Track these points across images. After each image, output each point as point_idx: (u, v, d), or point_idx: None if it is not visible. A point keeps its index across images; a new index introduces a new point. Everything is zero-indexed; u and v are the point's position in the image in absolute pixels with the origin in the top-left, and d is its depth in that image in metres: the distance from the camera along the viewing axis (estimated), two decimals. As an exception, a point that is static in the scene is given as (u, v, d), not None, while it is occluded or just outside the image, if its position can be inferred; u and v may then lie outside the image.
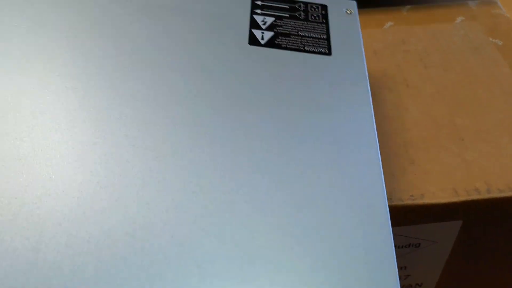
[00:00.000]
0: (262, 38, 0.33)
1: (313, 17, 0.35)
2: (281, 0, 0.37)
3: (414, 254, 0.37)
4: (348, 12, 0.36)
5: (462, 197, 0.33)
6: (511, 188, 0.33)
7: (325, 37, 0.34)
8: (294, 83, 0.31)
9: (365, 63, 0.33)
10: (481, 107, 0.38)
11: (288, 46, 0.33)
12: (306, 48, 0.33)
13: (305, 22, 0.35)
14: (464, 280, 0.40)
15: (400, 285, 0.40)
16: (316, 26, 0.35)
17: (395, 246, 0.36)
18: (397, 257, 0.37)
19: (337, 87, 0.31)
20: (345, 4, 0.36)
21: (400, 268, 0.38)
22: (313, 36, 0.34)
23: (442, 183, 0.33)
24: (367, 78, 0.32)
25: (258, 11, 0.35)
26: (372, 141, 0.28)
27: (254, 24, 0.34)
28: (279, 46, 0.33)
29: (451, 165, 0.34)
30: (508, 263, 0.39)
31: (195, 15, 0.34)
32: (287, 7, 0.36)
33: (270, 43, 0.33)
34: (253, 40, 0.33)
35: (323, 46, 0.33)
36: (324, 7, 0.36)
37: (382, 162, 0.34)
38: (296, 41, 0.34)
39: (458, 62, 0.43)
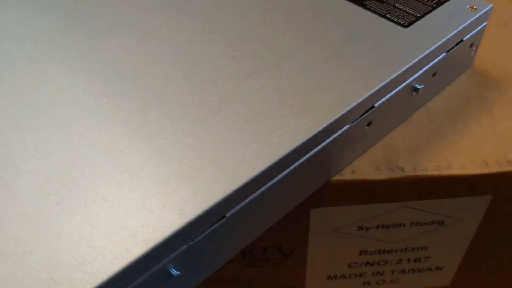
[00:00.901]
0: None
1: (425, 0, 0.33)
2: None
3: (437, 232, 0.34)
4: (472, 9, 0.33)
5: (493, 168, 0.30)
6: (546, 160, 0.31)
7: (417, 15, 0.32)
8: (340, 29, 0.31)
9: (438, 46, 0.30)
10: (510, 79, 0.36)
11: (372, 8, 0.33)
12: (387, 15, 0.32)
13: (414, 0, 0.33)
14: (487, 266, 0.38)
15: (419, 268, 0.37)
16: (420, 6, 0.33)
17: (416, 223, 0.33)
18: (418, 235, 0.34)
19: (379, 47, 0.30)
20: (475, 2, 0.33)
21: (420, 248, 0.35)
22: (406, 10, 0.33)
23: (471, 154, 0.31)
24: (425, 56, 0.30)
25: None
26: None
27: None
28: (363, 5, 0.33)
29: (480, 136, 0.32)
30: (537, 246, 0.36)
31: None
32: None
33: (358, 2, 0.33)
34: None
35: (406, 19, 0.32)
36: None
37: (404, 133, 0.32)
38: (385, 8, 0.33)
39: (487, 39, 0.40)
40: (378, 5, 0.33)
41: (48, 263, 0.20)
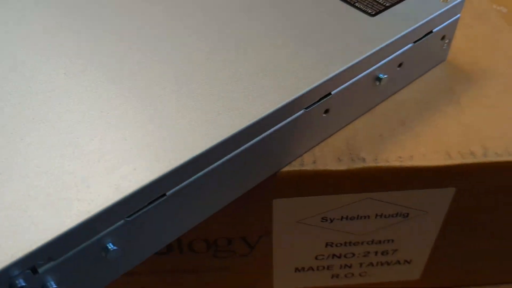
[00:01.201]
0: None
1: None
2: None
3: (402, 225, 0.34)
4: (443, 0, 0.33)
5: (456, 160, 0.30)
6: (510, 152, 0.30)
7: (386, 4, 0.32)
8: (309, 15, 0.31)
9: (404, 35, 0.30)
10: (480, 71, 0.36)
11: None
12: (356, 4, 0.32)
13: None
14: (456, 259, 0.37)
15: (387, 262, 0.37)
16: None
17: (381, 215, 0.33)
18: (383, 228, 0.34)
19: (342, 35, 0.30)
20: None
21: (387, 241, 0.35)
22: (377, 0, 0.32)
23: (434, 146, 0.31)
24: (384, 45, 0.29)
25: None
26: None
27: None
28: None
29: (445, 128, 0.32)
30: (507, 239, 0.36)
31: None
32: None
33: None
34: None
35: (374, 8, 0.32)
36: None
37: (368, 124, 0.32)
38: None
39: (459, 29, 0.40)
40: None
41: None
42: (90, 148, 0.24)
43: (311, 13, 0.31)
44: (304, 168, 0.29)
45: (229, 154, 0.25)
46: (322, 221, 0.33)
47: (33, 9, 0.32)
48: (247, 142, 0.25)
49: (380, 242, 0.35)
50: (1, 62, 0.28)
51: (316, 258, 0.36)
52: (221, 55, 0.28)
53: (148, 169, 0.23)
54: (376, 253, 0.36)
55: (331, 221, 0.33)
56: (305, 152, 0.30)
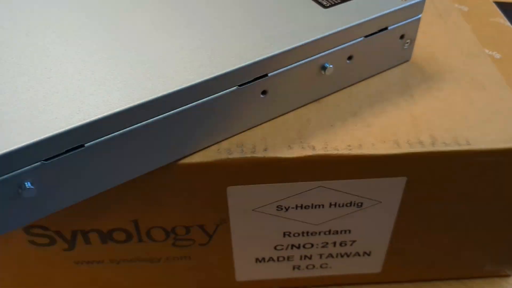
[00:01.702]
0: None
1: None
2: None
3: (357, 215, 0.34)
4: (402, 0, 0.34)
5: (404, 149, 0.31)
6: (458, 142, 0.31)
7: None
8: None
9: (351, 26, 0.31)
10: (436, 66, 0.36)
11: None
12: None
13: None
14: (416, 249, 0.38)
15: (347, 253, 0.38)
16: None
17: (335, 204, 0.33)
18: (339, 218, 0.35)
19: (289, 22, 0.31)
20: None
21: (344, 231, 0.36)
22: None
23: (384, 135, 0.31)
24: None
25: None
26: None
27: None
28: None
29: (396, 119, 0.32)
30: (460, 227, 0.36)
31: None
32: None
33: None
34: None
35: (329, 1, 0.33)
36: None
37: (321, 114, 0.33)
38: None
39: (420, 28, 0.41)
40: None
41: None
42: (24, 97, 0.26)
43: (269, 1, 0.33)
44: (255, 155, 0.30)
45: (150, 118, 0.27)
46: (277, 210, 0.34)
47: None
48: (172, 109, 0.27)
49: (337, 232, 0.36)
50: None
51: (275, 248, 0.37)
52: (171, 28, 0.31)
53: (68, 120, 0.25)
54: (334, 244, 0.37)
55: (286, 209, 0.34)
56: (246, 129, 0.31)
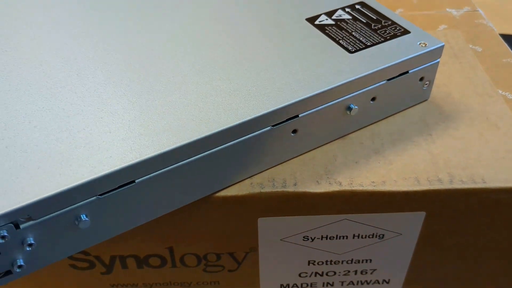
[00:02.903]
0: (320, 21, 0.38)
1: (383, 32, 0.37)
2: (377, 12, 0.39)
3: (379, 246, 0.37)
4: (422, 45, 0.36)
5: (424, 186, 0.33)
6: (474, 180, 0.33)
7: (368, 44, 0.36)
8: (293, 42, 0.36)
9: (381, 70, 0.34)
10: (452, 105, 0.39)
11: (329, 34, 0.37)
12: (340, 41, 0.36)
13: (370, 31, 0.37)
14: (432, 278, 0.40)
15: (367, 281, 0.40)
16: (374, 36, 0.36)
17: (358, 235, 0.36)
18: (361, 248, 0.37)
19: (318, 66, 0.34)
20: (428, 40, 0.36)
21: (365, 261, 0.38)
22: (360, 39, 0.36)
23: (405, 173, 0.34)
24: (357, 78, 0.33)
25: (348, 9, 0.40)
26: None
27: (330, 13, 0.39)
28: (323, 31, 0.37)
29: (416, 157, 0.35)
30: (475, 259, 0.38)
31: None
32: (374, 17, 0.38)
33: (320, 27, 0.37)
34: (311, 19, 0.38)
35: (355, 46, 0.35)
36: (406, 32, 0.37)
37: (346, 151, 0.35)
38: (341, 35, 0.37)
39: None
40: (336, 32, 0.37)
41: None
42: (80, 136, 0.29)
43: (297, 44, 0.36)
44: (286, 189, 0.33)
45: (193, 156, 0.29)
46: (304, 240, 0.36)
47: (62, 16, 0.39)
48: (213, 148, 0.30)
49: (359, 261, 0.38)
50: (28, 59, 0.34)
51: (299, 275, 0.39)
52: (209, 72, 0.33)
53: (122, 158, 0.27)
54: (355, 272, 0.39)
55: (312, 240, 0.36)
56: (277, 164, 0.34)
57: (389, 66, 0.34)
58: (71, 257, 0.36)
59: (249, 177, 0.33)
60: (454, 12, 0.50)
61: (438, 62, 0.37)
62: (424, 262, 0.38)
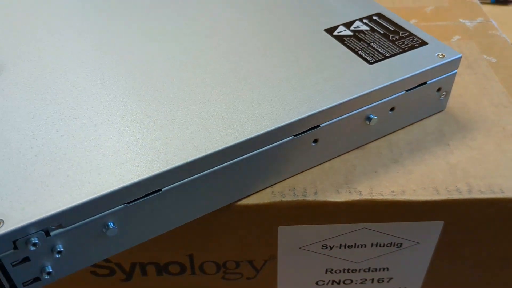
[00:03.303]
0: (338, 32, 0.38)
1: (401, 43, 0.37)
2: (394, 24, 0.40)
3: (397, 254, 0.37)
4: (440, 56, 0.36)
5: (443, 196, 0.33)
6: (493, 190, 0.34)
7: (386, 55, 0.36)
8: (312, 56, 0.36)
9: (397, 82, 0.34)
10: (468, 115, 0.39)
11: (348, 45, 0.37)
12: (359, 52, 0.37)
13: (388, 42, 0.37)
14: (448, 286, 0.40)
15: (383, 289, 0.40)
16: (393, 47, 0.37)
17: (376, 244, 0.36)
18: (379, 256, 0.37)
19: (338, 77, 0.34)
20: (446, 51, 0.37)
21: (382, 269, 0.38)
22: (378, 50, 0.37)
23: (424, 182, 0.34)
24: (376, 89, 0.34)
25: (365, 20, 0.40)
26: None
27: (348, 24, 0.40)
28: (341, 42, 0.38)
29: (435, 167, 0.35)
30: (492, 268, 0.38)
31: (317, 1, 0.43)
32: (391, 29, 0.39)
33: (339, 38, 0.38)
34: (330, 30, 0.39)
35: (374, 57, 0.36)
36: (423, 43, 0.37)
37: (365, 161, 0.35)
38: (360, 45, 0.37)
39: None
40: (355, 42, 0.37)
41: (9, 192, 0.26)
42: (107, 145, 0.29)
43: (317, 55, 0.36)
44: (306, 198, 0.33)
45: (217, 165, 0.30)
46: (322, 248, 0.36)
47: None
48: (237, 157, 0.30)
49: (376, 270, 0.38)
50: (53, 68, 0.35)
51: (317, 283, 0.39)
52: (231, 83, 0.34)
53: (148, 167, 0.28)
54: (372, 280, 0.39)
55: (331, 248, 0.36)
56: (297, 173, 0.34)
57: (408, 77, 0.35)
58: (93, 264, 0.37)
59: (270, 186, 0.34)
60: (467, 23, 0.51)
61: (455, 73, 0.38)
62: (441, 271, 0.39)
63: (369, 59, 0.36)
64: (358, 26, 0.39)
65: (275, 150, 0.32)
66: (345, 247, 0.36)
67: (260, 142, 0.31)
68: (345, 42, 0.37)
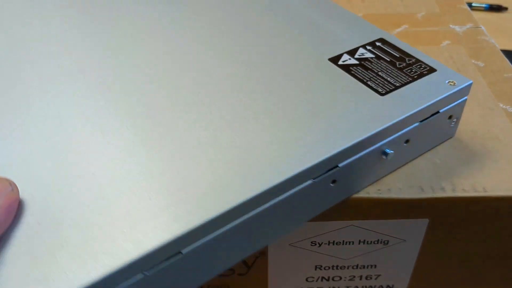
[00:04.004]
0: (343, 61, 0.36)
1: (409, 71, 0.36)
2: (399, 50, 0.38)
3: (384, 251, 0.38)
4: (451, 83, 0.35)
5: (428, 194, 0.35)
6: (476, 189, 0.35)
7: (396, 84, 0.34)
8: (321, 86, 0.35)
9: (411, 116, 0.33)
10: (455, 118, 0.41)
11: (355, 75, 0.35)
12: (368, 82, 0.35)
13: (396, 70, 0.36)
14: (435, 283, 0.41)
15: (372, 286, 0.41)
16: (401, 76, 0.35)
17: (364, 241, 0.37)
18: (366, 254, 0.38)
19: (352, 112, 0.32)
20: (456, 78, 0.35)
21: (370, 266, 0.39)
22: (387, 79, 0.35)
23: (410, 181, 0.35)
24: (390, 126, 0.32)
25: (369, 47, 0.38)
26: None
27: (352, 52, 0.38)
28: (348, 71, 0.36)
29: (420, 166, 0.36)
30: (478, 266, 0.40)
31: (317, 28, 0.41)
32: (397, 55, 0.37)
33: (345, 67, 0.36)
34: (334, 59, 0.37)
35: (384, 88, 0.34)
36: (431, 70, 0.36)
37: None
38: (367, 75, 0.35)
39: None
40: (362, 72, 0.36)
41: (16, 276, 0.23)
42: (118, 205, 0.26)
43: (325, 89, 0.34)
44: (295, 196, 0.34)
45: (237, 220, 0.27)
46: (311, 245, 0.37)
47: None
48: (256, 208, 0.28)
49: (364, 267, 0.39)
50: (45, 116, 0.32)
51: (307, 280, 0.40)
52: (241, 125, 0.31)
53: (167, 228, 0.25)
54: (360, 277, 0.40)
55: (320, 245, 0.37)
56: (310, 219, 0.33)
57: (423, 108, 0.33)
58: None
59: (287, 233, 0.32)
60: (457, 28, 0.52)
61: (466, 99, 0.37)
62: (428, 268, 0.40)
63: (380, 90, 0.34)
64: (362, 54, 0.38)
65: (294, 196, 0.29)
66: (333, 244, 0.37)
67: (280, 189, 0.28)
68: (352, 72, 0.36)
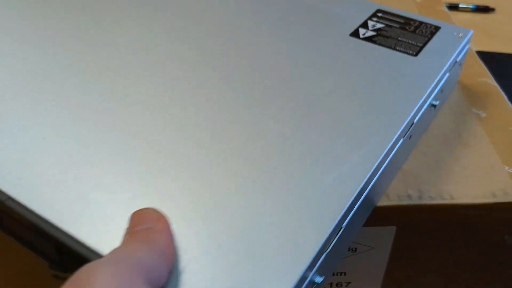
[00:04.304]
0: (364, 34, 0.40)
1: (420, 32, 0.40)
2: (400, 16, 0.42)
3: (353, 259, 0.38)
4: (459, 35, 0.40)
5: (394, 202, 0.34)
6: (443, 196, 0.34)
7: (420, 45, 0.38)
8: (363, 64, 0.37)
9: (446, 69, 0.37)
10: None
11: (382, 44, 0.39)
12: (396, 47, 0.38)
13: (410, 33, 0.40)
14: (405, 292, 0.41)
15: (343, 293, 0.41)
16: (418, 37, 0.39)
17: (331, 249, 0.37)
18: (335, 261, 0.38)
19: (396, 78, 0.35)
20: (460, 30, 0.40)
21: (340, 274, 0.39)
22: (410, 42, 0.39)
23: (376, 188, 0.35)
24: (437, 81, 0.35)
25: (374, 18, 0.42)
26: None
27: (364, 25, 0.41)
28: (373, 42, 0.39)
29: (388, 173, 0.36)
30: (447, 273, 0.39)
31: (317, 11, 0.42)
32: (402, 21, 0.41)
33: (368, 39, 0.39)
34: (354, 34, 0.40)
35: (413, 49, 0.38)
36: (437, 28, 0.41)
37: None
38: (392, 42, 0.39)
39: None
40: (385, 40, 0.39)
41: None
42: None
43: (369, 63, 0.36)
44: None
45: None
46: (279, 253, 0.37)
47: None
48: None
49: (333, 274, 0.39)
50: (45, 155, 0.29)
51: (276, 287, 0.40)
52: (292, 120, 0.31)
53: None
54: (331, 284, 0.40)
55: (287, 253, 0.37)
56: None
57: (452, 60, 0.38)
58: None
59: None
60: (434, 31, 0.52)
61: (469, 47, 0.42)
62: (398, 276, 0.39)
63: (411, 52, 0.38)
64: (374, 25, 0.41)
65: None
66: (301, 252, 0.37)
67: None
68: (378, 42, 0.39)
